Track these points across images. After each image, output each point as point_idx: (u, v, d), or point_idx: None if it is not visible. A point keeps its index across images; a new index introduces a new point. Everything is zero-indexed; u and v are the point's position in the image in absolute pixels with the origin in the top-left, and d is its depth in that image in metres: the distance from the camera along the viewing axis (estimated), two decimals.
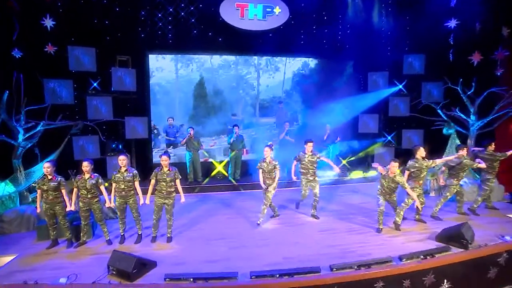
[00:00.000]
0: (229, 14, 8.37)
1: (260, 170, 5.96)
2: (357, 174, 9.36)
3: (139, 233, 5.44)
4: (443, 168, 6.47)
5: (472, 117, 7.83)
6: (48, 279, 4.23)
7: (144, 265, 4.39)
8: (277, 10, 8.60)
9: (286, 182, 7.96)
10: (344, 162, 9.53)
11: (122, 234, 5.44)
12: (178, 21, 8.28)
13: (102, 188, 5.18)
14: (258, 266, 4.45)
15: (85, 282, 4.14)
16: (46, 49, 7.12)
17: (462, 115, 7.87)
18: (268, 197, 5.91)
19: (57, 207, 5.07)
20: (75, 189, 5.10)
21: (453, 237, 4.99)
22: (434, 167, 6.30)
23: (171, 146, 9.30)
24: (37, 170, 6.40)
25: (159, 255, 4.88)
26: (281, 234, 5.68)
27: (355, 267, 4.30)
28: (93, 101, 7.75)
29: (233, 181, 8.78)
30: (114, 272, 4.28)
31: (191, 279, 4.07)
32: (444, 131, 8.24)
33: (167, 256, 4.88)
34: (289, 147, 8.87)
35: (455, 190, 6.23)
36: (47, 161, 5.15)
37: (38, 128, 6.58)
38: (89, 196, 5.07)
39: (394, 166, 5.40)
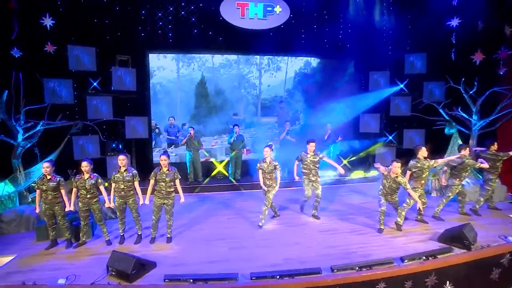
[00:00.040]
0: (229, 13, 8.34)
1: (260, 171, 5.90)
2: (358, 174, 9.32)
3: (139, 233, 5.41)
4: (445, 168, 6.42)
5: (474, 117, 7.77)
6: (47, 280, 4.20)
7: (143, 265, 4.36)
8: (277, 9, 8.56)
9: (286, 182, 7.92)
10: (345, 162, 9.49)
11: (121, 234, 5.41)
12: (179, 20, 8.25)
13: (101, 188, 5.15)
14: (259, 267, 4.41)
15: (84, 283, 4.12)
16: (45, 49, 7.08)
17: (464, 114, 7.82)
18: (269, 198, 5.86)
19: (56, 207, 5.04)
20: (74, 189, 5.08)
21: (456, 238, 4.95)
22: (435, 167, 6.25)
23: (173, 146, 9.28)
24: (36, 170, 6.37)
25: (158, 255, 4.85)
26: (281, 235, 5.64)
27: (357, 268, 4.26)
28: (93, 100, 7.73)
29: (234, 181, 8.75)
30: (113, 273, 4.25)
31: (191, 280, 4.04)
32: (446, 130, 8.18)
33: (167, 257, 4.85)
34: (290, 147, 8.84)
35: (457, 190, 6.18)
36: (46, 161, 5.12)
37: (38, 128, 6.55)
38: (88, 196, 5.04)
39: (396, 167, 5.36)
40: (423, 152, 5.75)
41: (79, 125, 7.47)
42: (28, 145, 6.49)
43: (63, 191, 5.06)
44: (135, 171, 5.27)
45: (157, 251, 5.04)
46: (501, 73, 7.67)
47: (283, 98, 10.02)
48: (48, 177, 4.98)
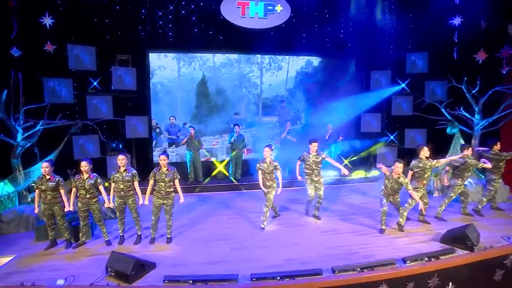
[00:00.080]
0: (230, 12, 8.30)
1: (260, 171, 5.81)
2: (359, 174, 9.28)
3: (139, 233, 5.38)
4: (447, 168, 6.37)
5: (477, 116, 7.71)
6: (46, 281, 4.17)
7: (142, 266, 4.33)
8: (278, 8, 8.52)
9: (287, 182, 7.87)
10: (346, 161, 9.45)
11: (121, 234, 5.38)
12: (179, 19, 8.22)
13: (101, 188, 5.12)
14: (259, 268, 4.37)
15: (83, 284, 4.08)
16: (45, 48, 7.05)
17: (466, 114, 7.76)
18: (269, 199, 5.78)
19: (56, 207, 5.01)
20: (73, 189, 5.04)
21: (458, 238, 4.89)
22: (437, 167, 6.20)
23: (174, 145, 9.25)
24: (36, 169, 6.34)
25: (158, 256, 4.82)
26: (282, 235, 5.60)
27: (358, 269, 4.22)
28: (93, 100, 7.71)
29: (234, 180, 8.71)
30: (112, 274, 4.22)
31: (190, 281, 4.01)
32: (448, 130, 8.13)
33: (167, 257, 4.81)
34: (290, 146, 8.80)
35: (460, 190, 6.13)
36: (45, 161, 5.09)
37: (37, 128, 6.52)
38: (87, 196, 5.01)
39: (398, 167, 5.31)
40: (425, 152, 5.70)
41: (79, 124, 7.45)
42: (28, 145, 6.47)
43: (62, 191, 5.03)
44: (134, 171, 5.23)
45: (157, 252, 5.01)
46: (504, 72, 7.62)
47: (284, 98, 9.98)
48: (47, 177, 4.95)
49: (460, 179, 6.05)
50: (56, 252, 5.04)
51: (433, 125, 8.29)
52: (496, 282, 4.59)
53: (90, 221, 5.38)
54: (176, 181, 5.22)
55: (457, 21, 8.08)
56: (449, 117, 8.03)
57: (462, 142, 7.67)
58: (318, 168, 6.06)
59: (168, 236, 5.35)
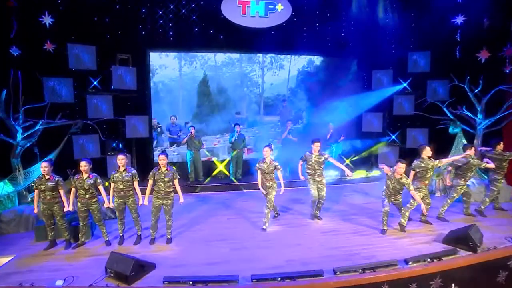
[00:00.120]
0: (230, 11, 8.26)
1: (259, 172, 5.74)
2: (360, 174, 9.22)
3: (138, 233, 5.35)
4: (450, 168, 6.31)
5: (479, 116, 7.65)
6: (45, 281, 4.14)
7: (142, 267, 4.30)
8: (279, 7, 8.47)
9: (288, 182, 7.82)
10: (347, 161, 9.40)
11: (121, 235, 5.35)
12: (179, 18, 8.18)
13: (100, 188, 5.09)
14: (260, 269, 4.33)
15: (82, 285, 4.05)
16: (45, 47, 7.03)
17: (468, 113, 7.69)
18: (270, 200, 5.71)
19: (55, 207, 4.98)
20: (73, 189, 5.01)
21: (461, 239, 4.84)
22: (440, 167, 6.14)
23: (175, 145, 9.22)
24: (36, 169, 6.31)
25: (158, 256, 4.79)
26: (283, 236, 5.56)
27: (360, 270, 4.17)
28: (93, 99, 7.68)
29: (235, 180, 8.68)
30: (112, 275, 4.19)
31: (190, 282, 3.98)
32: (450, 130, 8.07)
33: (166, 258, 4.78)
34: (291, 146, 8.76)
35: (462, 190, 6.08)
36: (45, 161, 5.06)
37: (37, 127, 6.50)
38: (87, 196, 4.98)
39: (401, 167, 5.26)
40: (427, 151, 5.65)
41: (79, 124, 7.42)
42: (28, 145, 6.45)
43: (61, 191, 5.00)
44: (134, 171, 5.20)
45: (157, 252, 4.98)
46: (507, 71, 7.56)
47: (285, 97, 9.93)
48: (47, 177, 4.92)
49: (462, 179, 6.00)
50: (56, 252, 5.01)
51: (435, 124, 8.22)
52: (499, 283, 4.54)
53: (90, 221, 5.34)
54: (176, 181, 5.18)
55: (459, 19, 8.01)
56: (451, 117, 7.96)
57: (465, 141, 7.60)
58: (321, 169, 5.99)
59: (168, 236, 5.31)
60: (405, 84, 9.02)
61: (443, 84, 8.30)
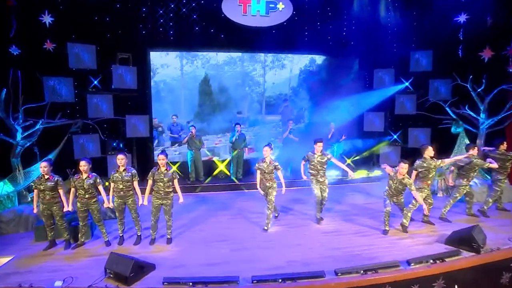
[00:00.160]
0: (231, 10, 8.22)
1: (258, 171, 5.67)
2: (361, 174, 9.17)
3: (138, 234, 5.32)
4: (452, 168, 6.26)
5: (482, 115, 7.58)
6: (44, 282, 4.12)
7: (142, 268, 4.27)
8: (280, 6, 8.43)
9: (288, 182, 7.78)
10: (348, 161, 9.35)
11: (121, 235, 5.33)
12: (180, 17, 8.15)
13: (100, 188, 5.05)
14: (260, 270, 4.29)
15: (81, 286, 4.02)
16: (44, 46, 7.00)
17: (471, 113, 7.63)
18: (271, 200, 5.66)
19: (55, 207, 4.96)
20: (72, 189, 4.98)
21: (464, 240, 4.79)
22: (442, 167, 6.09)
23: (176, 144, 9.19)
24: (36, 169, 6.28)
25: (158, 257, 4.75)
26: (284, 236, 5.52)
27: (361, 271, 4.13)
28: (94, 99, 7.66)
29: (235, 180, 8.64)
30: (111, 275, 4.16)
31: (190, 283, 3.94)
32: (453, 129, 8.00)
33: (166, 259, 4.75)
34: (293, 146, 8.71)
35: (465, 190, 6.01)
36: (44, 161, 5.04)
37: (37, 127, 6.47)
38: (86, 196, 4.95)
39: (403, 168, 5.20)
40: (429, 151, 5.59)
41: (79, 123, 7.40)
42: (28, 144, 6.42)
43: (61, 191, 4.97)
44: (134, 171, 5.17)
45: (157, 253, 4.94)
46: (510, 70, 7.47)
47: (287, 96, 9.89)
48: (46, 176, 4.89)
49: (465, 179, 5.94)
50: (55, 252, 4.99)
51: (437, 124, 8.16)
52: (503, 285, 4.49)
53: (90, 221, 5.32)
54: (175, 181, 5.14)
55: (462, 18, 7.94)
56: (454, 116, 7.90)
57: (467, 141, 7.54)
58: (324, 169, 5.93)
59: (168, 236, 5.28)
60: (407, 84, 8.96)
61: (446, 83, 8.24)
